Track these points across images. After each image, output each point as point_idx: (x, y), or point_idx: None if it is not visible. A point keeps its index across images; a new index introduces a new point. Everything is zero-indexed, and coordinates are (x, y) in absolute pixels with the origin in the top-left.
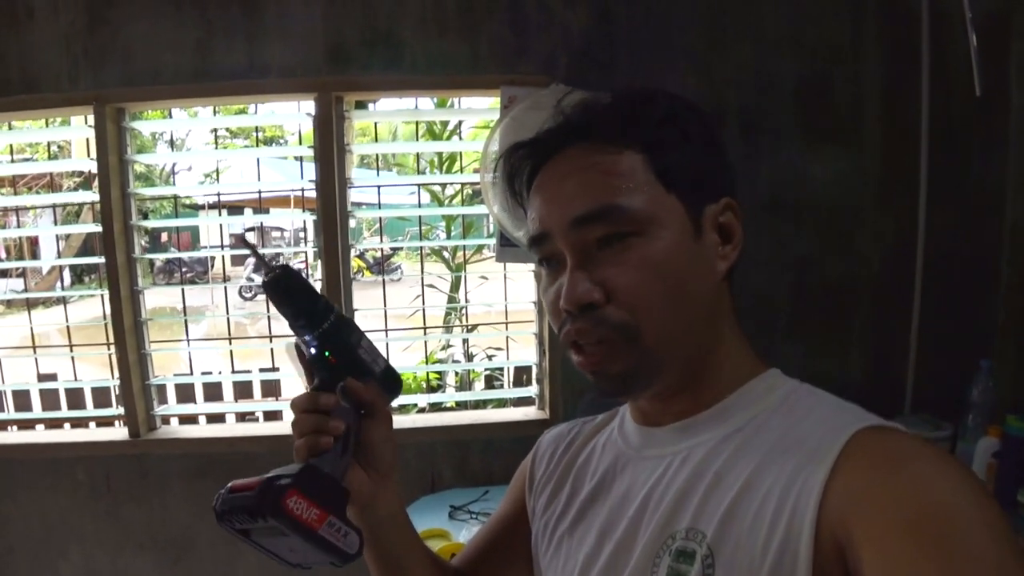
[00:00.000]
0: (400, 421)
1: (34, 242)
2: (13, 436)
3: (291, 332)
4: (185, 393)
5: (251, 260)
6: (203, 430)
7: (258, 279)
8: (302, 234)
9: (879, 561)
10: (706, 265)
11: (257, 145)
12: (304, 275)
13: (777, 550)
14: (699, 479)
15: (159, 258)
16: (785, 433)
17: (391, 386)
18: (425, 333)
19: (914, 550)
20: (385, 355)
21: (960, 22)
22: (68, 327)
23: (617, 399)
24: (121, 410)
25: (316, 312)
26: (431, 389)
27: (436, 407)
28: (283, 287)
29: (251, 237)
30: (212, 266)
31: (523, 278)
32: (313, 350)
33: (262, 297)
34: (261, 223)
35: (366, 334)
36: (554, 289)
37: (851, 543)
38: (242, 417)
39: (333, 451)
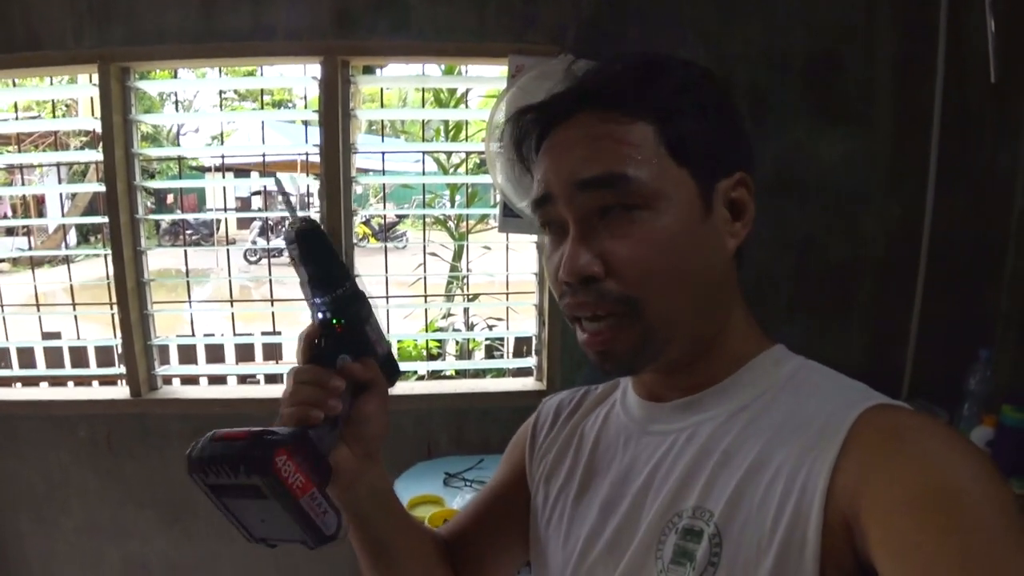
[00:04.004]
0: (399, 387)
1: (41, 201)
2: (17, 393)
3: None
4: (188, 354)
5: (256, 223)
6: (204, 391)
7: (261, 242)
8: (310, 199)
9: (886, 536)
10: (714, 244)
11: (263, 108)
12: None
13: (786, 530)
14: (706, 457)
15: (164, 219)
16: (793, 411)
17: (389, 373)
18: (426, 301)
19: (921, 525)
20: (388, 338)
21: (979, 6)
22: (72, 286)
23: (620, 376)
24: (123, 369)
25: (334, 275)
26: (431, 357)
27: (435, 375)
28: (313, 239)
29: (286, 182)
30: (218, 229)
31: (525, 249)
32: (321, 315)
33: (266, 261)
34: (264, 187)
35: (375, 313)
36: (556, 258)
37: (858, 520)
38: (243, 379)
39: (324, 424)
